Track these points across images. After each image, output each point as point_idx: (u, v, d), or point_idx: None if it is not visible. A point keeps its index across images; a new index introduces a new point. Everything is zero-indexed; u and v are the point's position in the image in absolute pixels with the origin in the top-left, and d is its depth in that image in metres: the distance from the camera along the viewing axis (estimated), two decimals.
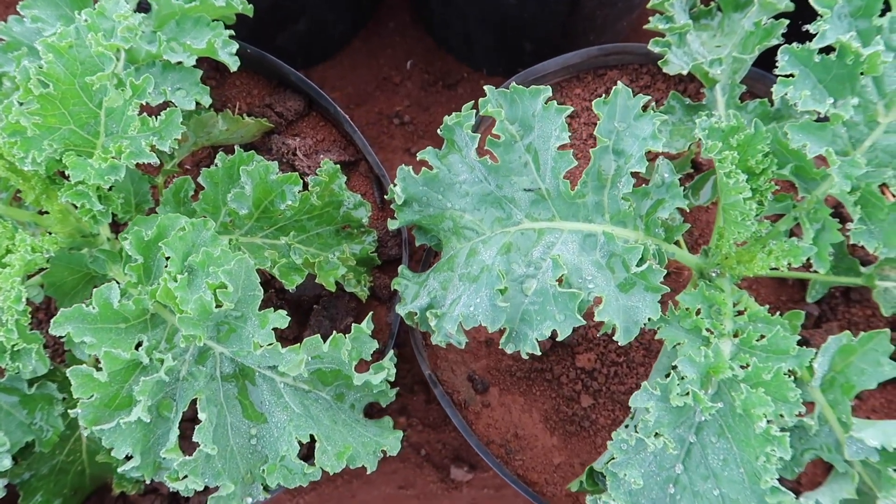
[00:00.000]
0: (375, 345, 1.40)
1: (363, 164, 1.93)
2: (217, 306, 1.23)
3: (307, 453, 1.45)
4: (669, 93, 1.70)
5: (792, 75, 1.29)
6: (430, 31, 3.19)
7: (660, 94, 2.03)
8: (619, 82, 1.43)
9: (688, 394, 1.30)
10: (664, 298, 1.35)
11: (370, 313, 1.41)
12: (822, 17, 1.27)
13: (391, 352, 1.54)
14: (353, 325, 1.34)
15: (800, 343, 1.77)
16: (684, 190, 1.73)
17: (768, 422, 1.35)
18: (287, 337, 1.82)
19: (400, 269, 1.63)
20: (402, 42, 3.24)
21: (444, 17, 2.91)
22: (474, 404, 1.88)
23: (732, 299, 1.53)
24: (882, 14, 1.28)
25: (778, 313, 1.47)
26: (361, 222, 1.71)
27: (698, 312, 1.46)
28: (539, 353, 1.33)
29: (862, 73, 1.30)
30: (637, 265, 1.32)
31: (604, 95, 1.37)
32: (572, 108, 1.36)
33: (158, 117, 1.31)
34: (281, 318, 1.30)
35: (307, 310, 1.84)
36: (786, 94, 1.28)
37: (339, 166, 1.62)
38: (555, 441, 1.86)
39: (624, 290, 1.35)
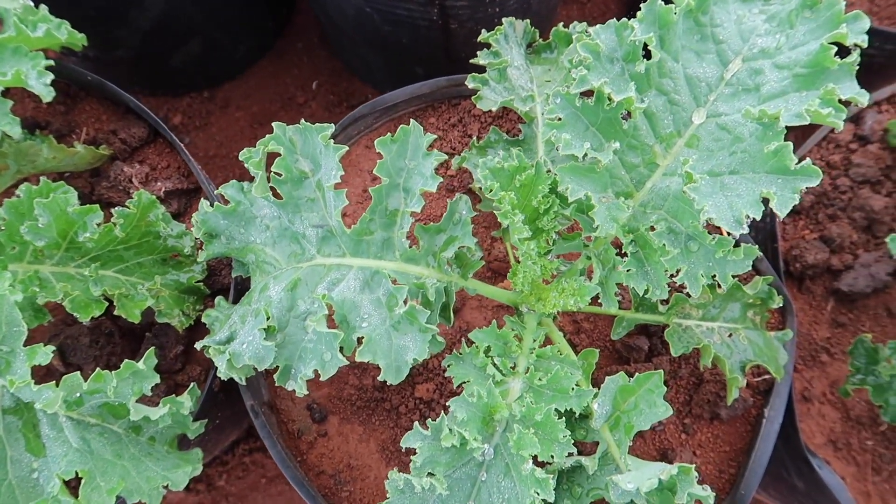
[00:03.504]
0: (156, 379, 1.40)
1: (204, 192, 1.94)
2: None
3: None
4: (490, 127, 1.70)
5: (559, 118, 1.30)
6: (336, 52, 3.21)
7: (511, 124, 2.04)
8: (411, 120, 1.44)
9: (456, 434, 1.30)
10: None
11: (151, 348, 1.40)
12: (583, 62, 1.28)
13: (192, 385, 1.54)
14: (125, 360, 1.34)
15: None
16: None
17: (540, 463, 1.35)
18: (117, 365, 1.81)
19: (217, 300, 1.63)
20: (309, 63, 3.26)
21: (340, 40, 2.93)
22: (309, 434, 1.87)
23: (534, 336, 1.54)
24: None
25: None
26: (184, 252, 1.71)
27: (489, 350, 1.46)
28: (306, 392, 1.32)
29: (627, 117, 1.31)
30: (404, 304, 1.32)
31: (391, 134, 1.37)
32: (346, 148, 1.37)
33: None
34: (45, 355, 1.29)
35: (140, 337, 1.84)
36: (550, 136, 1.29)
37: (154, 197, 1.61)
38: (390, 472, 1.85)
39: (397, 329, 1.35)
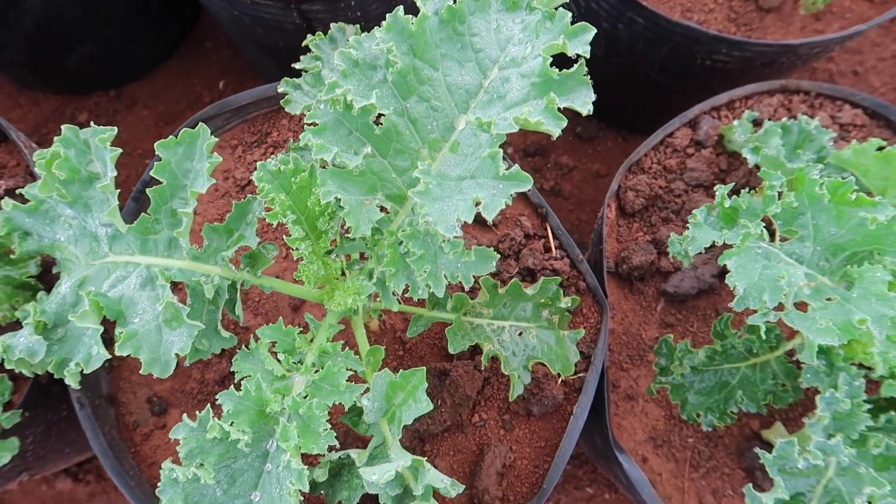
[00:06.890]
0: None
1: None
2: None
3: None
4: None
5: (316, 123, 1.35)
6: (241, 52, 3.26)
7: None
8: (200, 123, 1.49)
9: (217, 427, 1.36)
10: None
11: None
12: (337, 68, 1.33)
13: (2, 377, 1.60)
14: None
15: (442, 374, 1.83)
16: None
17: (315, 456, 1.39)
18: None
19: (38, 295, 1.68)
20: (216, 62, 3.31)
21: (236, 41, 2.97)
22: (146, 426, 1.93)
23: (327, 332, 1.59)
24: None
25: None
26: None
27: (274, 345, 1.52)
28: (78, 387, 1.38)
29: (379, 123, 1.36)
30: (174, 300, 1.37)
31: (174, 136, 1.43)
32: (120, 150, 1.42)
33: None
34: None
35: None
36: (307, 141, 1.34)
37: None
38: (163, 461, 1.90)
39: (169, 326, 1.40)
